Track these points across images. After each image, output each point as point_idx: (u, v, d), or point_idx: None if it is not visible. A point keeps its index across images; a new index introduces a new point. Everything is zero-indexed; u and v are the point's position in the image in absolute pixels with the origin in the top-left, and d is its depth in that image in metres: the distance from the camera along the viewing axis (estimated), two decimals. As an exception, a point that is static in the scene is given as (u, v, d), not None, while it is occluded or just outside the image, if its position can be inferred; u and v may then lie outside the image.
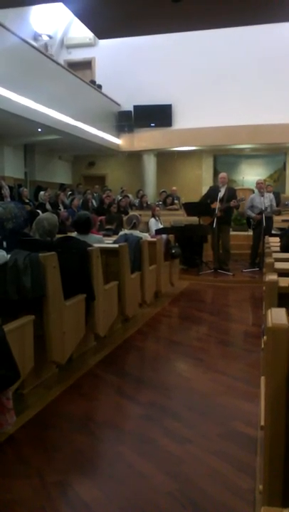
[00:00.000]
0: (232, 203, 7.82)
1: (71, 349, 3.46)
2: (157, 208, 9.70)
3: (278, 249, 4.24)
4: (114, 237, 5.68)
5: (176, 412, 2.87)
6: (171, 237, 6.77)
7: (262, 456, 1.41)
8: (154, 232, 8.05)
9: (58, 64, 11.22)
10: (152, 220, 8.99)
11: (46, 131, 10.63)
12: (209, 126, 13.03)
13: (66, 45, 14.93)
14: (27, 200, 10.13)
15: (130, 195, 12.88)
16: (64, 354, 3.29)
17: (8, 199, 9.32)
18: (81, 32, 13.24)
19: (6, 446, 2.43)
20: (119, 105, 14.33)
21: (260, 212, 7.96)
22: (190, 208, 8.54)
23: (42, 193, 10.28)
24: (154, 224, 8.87)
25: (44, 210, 8.18)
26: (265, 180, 9.81)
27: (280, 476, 1.28)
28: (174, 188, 13.13)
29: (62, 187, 12.90)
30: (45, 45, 12.54)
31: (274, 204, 8.36)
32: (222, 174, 8.41)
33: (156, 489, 2.08)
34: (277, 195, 10.08)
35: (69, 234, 4.71)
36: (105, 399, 3.14)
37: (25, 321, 2.80)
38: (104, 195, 11.55)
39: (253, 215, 8.20)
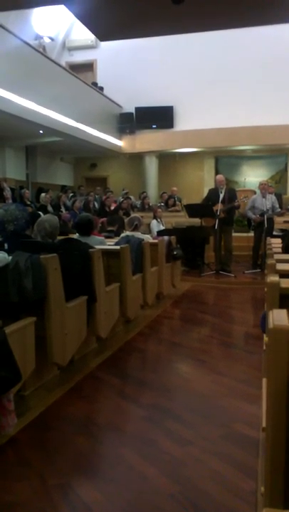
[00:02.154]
0: (236, 203, 7.83)
1: (72, 351, 3.45)
2: (159, 210, 9.70)
3: (280, 250, 4.22)
4: (116, 239, 5.68)
5: (178, 414, 2.87)
6: (173, 238, 6.77)
7: (263, 458, 1.40)
8: (155, 233, 8.06)
9: (60, 66, 11.23)
10: (154, 221, 9.00)
11: (48, 133, 10.64)
12: (211, 128, 13.03)
13: (68, 48, 14.95)
14: (28, 202, 10.12)
15: (132, 197, 12.88)
16: (65, 356, 3.29)
17: (10, 201, 9.34)
18: (83, 34, 13.27)
19: (7, 448, 2.43)
20: (121, 107, 14.34)
21: (262, 214, 7.95)
22: (192, 210, 8.53)
23: (43, 194, 10.29)
24: (156, 225, 8.88)
25: (45, 212, 8.19)
26: (267, 181, 9.80)
27: (281, 478, 1.28)
28: (174, 188, 13.11)
29: (63, 189, 12.91)
30: (43, 46, 12.53)
31: (276, 206, 8.35)
32: (219, 177, 8.39)
33: (157, 491, 2.07)
34: (279, 197, 10.07)
35: (70, 236, 4.71)
36: (106, 401, 3.13)
37: (26, 322, 2.80)
38: (104, 197, 11.55)
39: (253, 216, 8.19)
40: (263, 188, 8.23)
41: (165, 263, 6.15)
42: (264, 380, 1.84)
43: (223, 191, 7.96)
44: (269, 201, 8.12)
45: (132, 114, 14.20)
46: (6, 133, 10.72)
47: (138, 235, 5.51)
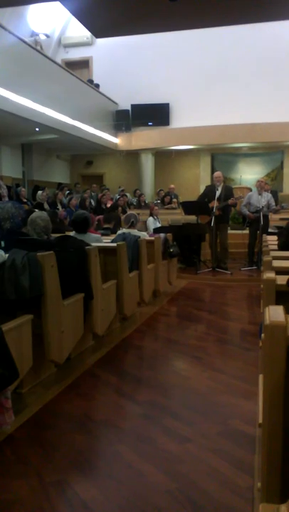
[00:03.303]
0: (230, 201, 7.83)
1: (69, 348, 3.46)
2: (155, 207, 9.69)
3: (276, 247, 4.24)
4: (113, 236, 5.68)
5: (175, 410, 2.87)
6: (169, 236, 6.77)
7: (260, 454, 1.41)
8: (152, 231, 8.05)
9: (56, 63, 11.20)
10: (150, 219, 9.00)
11: (44, 130, 10.62)
12: (207, 125, 13.04)
13: (63, 44, 14.91)
14: (25, 200, 10.11)
15: (128, 194, 12.87)
16: (62, 353, 3.29)
17: (6, 199, 9.30)
18: (78, 31, 13.24)
19: (4, 446, 2.43)
20: (117, 104, 14.32)
21: (257, 211, 7.96)
22: (188, 207, 8.54)
23: (40, 192, 10.26)
24: (152, 223, 8.87)
25: (42, 210, 8.15)
26: (264, 179, 9.82)
27: (278, 473, 1.28)
28: (172, 186, 13.12)
29: (60, 186, 12.88)
30: (39, 44, 12.47)
31: (272, 203, 8.34)
32: (217, 173, 8.40)
33: (155, 488, 2.08)
34: (274, 194, 10.08)
35: (67, 233, 4.70)
36: (104, 398, 3.14)
37: (23, 320, 2.80)
38: (100, 195, 11.54)
39: (247, 213, 8.19)
40: (260, 185, 8.24)
41: (161, 260, 6.15)
42: (260, 377, 1.85)
43: (220, 188, 7.96)
44: (265, 198, 8.12)
45: (127, 111, 14.19)
46: (2, 130, 10.68)
47: (134, 232, 5.51)
